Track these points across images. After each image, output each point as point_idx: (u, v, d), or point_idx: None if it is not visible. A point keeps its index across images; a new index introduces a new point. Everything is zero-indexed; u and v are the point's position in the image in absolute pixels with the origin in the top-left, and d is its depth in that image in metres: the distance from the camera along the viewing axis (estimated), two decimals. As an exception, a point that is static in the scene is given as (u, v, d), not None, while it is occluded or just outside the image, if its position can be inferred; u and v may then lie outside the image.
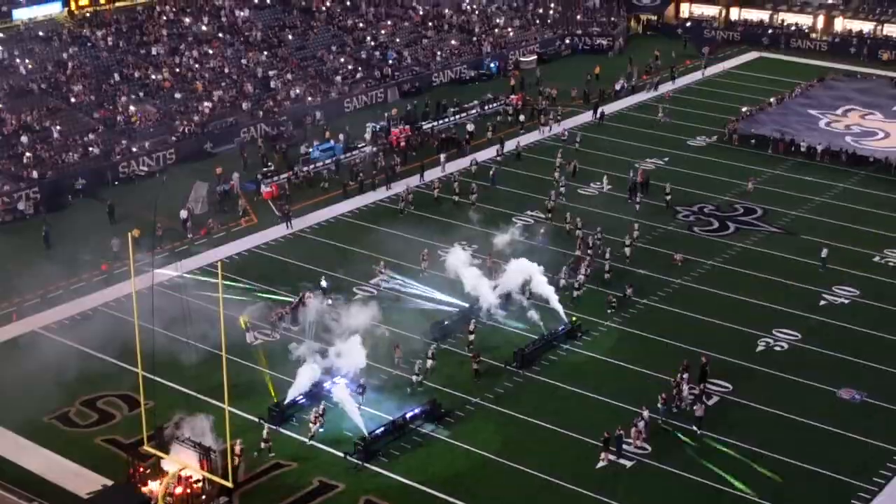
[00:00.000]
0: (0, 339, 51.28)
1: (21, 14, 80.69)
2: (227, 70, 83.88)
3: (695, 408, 44.47)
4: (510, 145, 76.06)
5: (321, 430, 43.56)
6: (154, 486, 38.89)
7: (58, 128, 71.88)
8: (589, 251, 58.78)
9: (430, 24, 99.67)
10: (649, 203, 66.12)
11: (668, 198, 66.76)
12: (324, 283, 54.93)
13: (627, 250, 59.27)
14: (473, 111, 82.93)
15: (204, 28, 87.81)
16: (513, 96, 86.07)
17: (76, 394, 46.40)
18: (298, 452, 42.74)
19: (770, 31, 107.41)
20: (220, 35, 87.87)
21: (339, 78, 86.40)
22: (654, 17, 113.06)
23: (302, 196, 67.68)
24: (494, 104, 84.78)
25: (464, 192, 67.12)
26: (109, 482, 40.47)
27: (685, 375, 46.53)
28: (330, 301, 53.46)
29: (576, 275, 55.96)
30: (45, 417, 44.86)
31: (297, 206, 65.75)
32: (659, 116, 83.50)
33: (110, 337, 49.91)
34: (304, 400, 45.39)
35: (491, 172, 70.27)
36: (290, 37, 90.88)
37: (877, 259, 59.98)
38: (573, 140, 77.20)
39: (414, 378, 47.26)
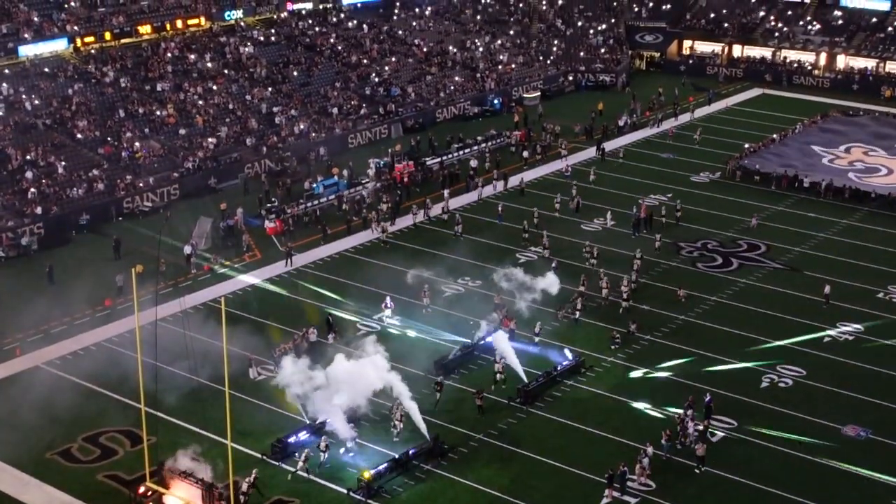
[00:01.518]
0: (3, 374, 51.14)
1: (27, 50, 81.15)
2: (231, 106, 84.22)
3: (696, 447, 44.27)
4: (514, 181, 76.27)
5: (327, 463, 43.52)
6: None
7: (62, 163, 72.09)
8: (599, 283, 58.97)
9: (434, 60, 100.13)
10: (651, 238, 66.07)
11: (679, 214, 68.91)
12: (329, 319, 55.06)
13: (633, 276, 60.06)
14: (476, 147, 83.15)
15: (209, 64, 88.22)
16: (516, 132, 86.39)
17: (78, 429, 46.23)
18: (301, 488, 42.57)
19: (773, 68, 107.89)
20: (225, 71, 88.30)
21: (335, 109, 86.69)
22: (656, 54, 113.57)
23: (304, 233, 67.75)
24: (497, 140, 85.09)
25: (449, 225, 68.36)
26: (111, 518, 40.37)
27: (689, 412, 46.37)
28: (332, 337, 53.38)
29: (575, 310, 56.21)
30: (48, 453, 44.70)
31: (299, 243, 65.87)
32: (696, 138, 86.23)
33: (113, 372, 49.90)
34: (307, 437, 45.27)
35: (499, 208, 70.44)
36: (294, 73, 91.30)
37: (881, 295, 59.91)
38: (619, 156, 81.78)
39: (497, 376, 49.24)
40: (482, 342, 52.84)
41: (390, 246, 65.91)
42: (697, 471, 43.75)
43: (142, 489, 40.16)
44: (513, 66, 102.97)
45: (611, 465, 42.96)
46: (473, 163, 78.58)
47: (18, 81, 78.71)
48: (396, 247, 65.88)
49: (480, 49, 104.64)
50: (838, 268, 63.17)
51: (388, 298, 57.04)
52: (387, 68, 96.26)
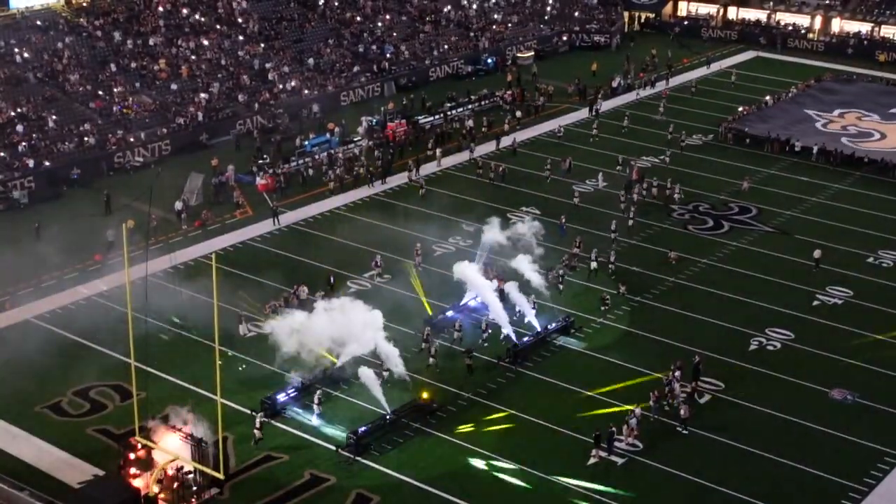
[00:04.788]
0: (-7, 327, 51.29)
1: (18, 2, 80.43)
2: (223, 61, 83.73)
3: (681, 409, 44.48)
4: (506, 141, 76.14)
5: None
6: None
7: (53, 117, 71.75)
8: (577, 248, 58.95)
9: (428, 18, 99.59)
10: (644, 201, 66.12)
11: (683, 144, 74.96)
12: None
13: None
14: (469, 106, 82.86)
15: (201, 19, 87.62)
16: (509, 92, 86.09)
17: (68, 383, 46.35)
18: (290, 445, 42.75)
19: (767, 30, 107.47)
20: (217, 26, 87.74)
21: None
22: (651, 15, 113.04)
23: (296, 190, 67.66)
24: (490, 100, 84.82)
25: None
26: (100, 472, 40.46)
27: (677, 374, 46.58)
28: (322, 294, 53.22)
29: (566, 270, 56.27)
30: (37, 406, 44.82)
31: (291, 200, 65.74)
32: (732, 79, 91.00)
33: (103, 327, 49.93)
34: (294, 393, 45.45)
35: (500, 169, 70.43)
36: (287, 29, 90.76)
37: (870, 260, 60.04)
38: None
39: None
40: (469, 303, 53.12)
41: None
42: (680, 429, 44.04)
43: (131, 443, 40.24)
44: (507, 25, 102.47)
45: (598, 425, 43.21)
46: (469, 122, 78.33)
47: (9, 34, 78.11)
48: (387, 205, 65.82)
49: (474, 7, 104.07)
50: (829, 232, 63.25)
51: (378, 257, 57.08)
52: (380, 26, 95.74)
